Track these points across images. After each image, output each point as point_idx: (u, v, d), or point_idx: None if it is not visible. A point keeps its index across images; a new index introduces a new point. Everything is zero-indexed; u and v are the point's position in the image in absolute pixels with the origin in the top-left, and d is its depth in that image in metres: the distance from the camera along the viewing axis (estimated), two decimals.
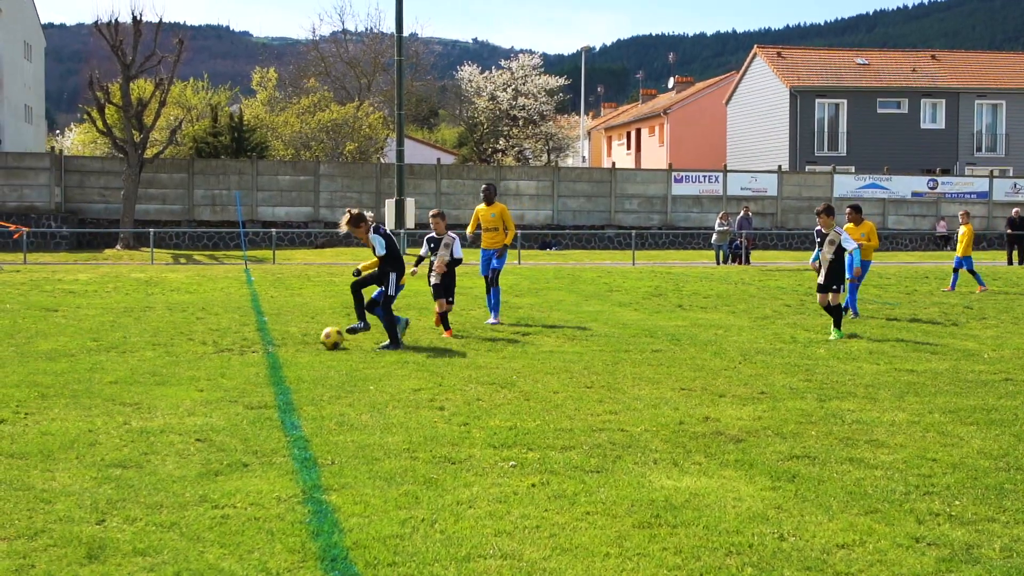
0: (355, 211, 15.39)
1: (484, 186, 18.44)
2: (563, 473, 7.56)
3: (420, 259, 16.70)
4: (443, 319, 16.32)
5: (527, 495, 6.98)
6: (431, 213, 16.82)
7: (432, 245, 16.49)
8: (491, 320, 17.66)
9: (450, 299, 16.31)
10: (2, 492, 6.91)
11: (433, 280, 16.33)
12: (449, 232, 16.58)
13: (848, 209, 19.85)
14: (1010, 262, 40.04)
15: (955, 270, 25.88)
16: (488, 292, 17.97)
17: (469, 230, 19.31)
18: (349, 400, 10.39)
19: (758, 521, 6.43)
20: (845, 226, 18.46)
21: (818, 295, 16.37)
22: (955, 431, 9.17)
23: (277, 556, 5.72)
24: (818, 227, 16.44)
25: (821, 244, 16.27)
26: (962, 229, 26.12)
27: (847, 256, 16.59)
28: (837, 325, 16.09)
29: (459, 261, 16.50)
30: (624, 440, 8.68)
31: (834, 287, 16.01)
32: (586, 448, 8.36)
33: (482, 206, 18.30)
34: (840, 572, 5.54)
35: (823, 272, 16.13)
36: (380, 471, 7.54)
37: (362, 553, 5.77)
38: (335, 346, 14.25)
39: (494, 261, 17.87)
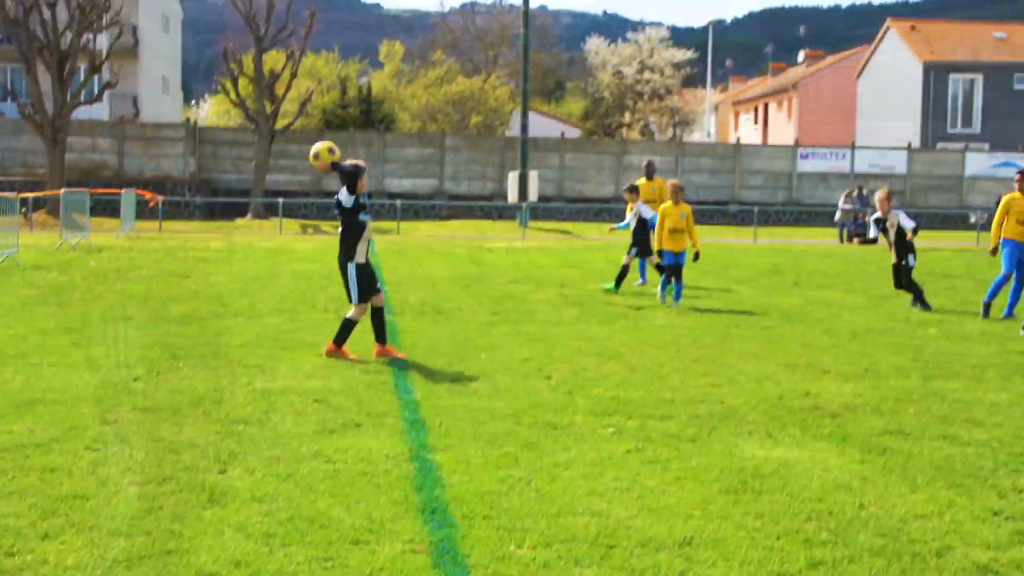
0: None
1: (646, 162, 21.40)
2: (659, 441, 7.88)
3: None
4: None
5: (622, 460, 7.32)
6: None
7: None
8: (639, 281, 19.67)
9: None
10: (135, 442, 7.49)
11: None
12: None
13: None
14: None
15: None
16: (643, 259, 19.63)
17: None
18: (461, 367, 10.83)
19: (842, 491, 6.68)
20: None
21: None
22: None
23: (382, 506, 6.17)
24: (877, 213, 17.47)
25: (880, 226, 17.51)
26: None
27: None
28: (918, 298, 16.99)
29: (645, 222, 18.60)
30: (722, 412, 8.95)
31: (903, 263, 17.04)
32: (684, 418, 8.65)
33: (643, 180, 20.75)
34: (914, 539, 5.77)
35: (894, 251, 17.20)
36: (484, 433, 7.95)
37: (460, 506, 6.19)
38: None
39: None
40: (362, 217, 11.44)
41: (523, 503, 6.29)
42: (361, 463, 7.08)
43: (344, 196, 11.29)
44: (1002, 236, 16.02)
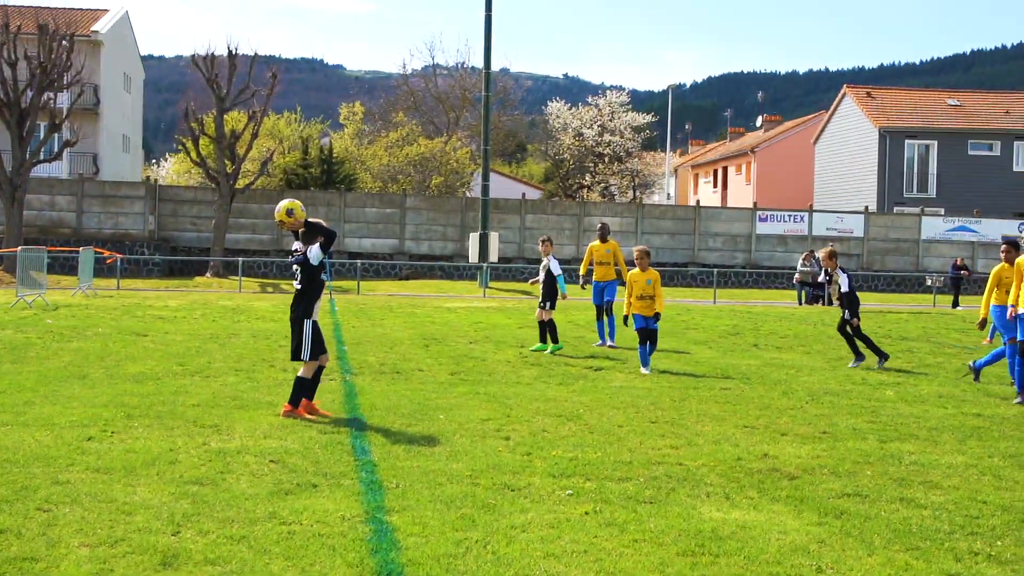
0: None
1: (600, 224, 21.23)
2: (617, 503, 7.85)
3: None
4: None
5: (579, 522, 7.29)
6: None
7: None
8: (610, 343, 19.87)
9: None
10: (87, 503, 7.39)
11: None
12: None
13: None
14: None
15: None
16: (599, 320, 20.26)
17: (583, 267, 21.37)
18: (419, 428, 10.78)
19: (799, 553, 6.67)
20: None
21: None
22: (1012, 475, 9.29)
23: (336, 569, 6.11)
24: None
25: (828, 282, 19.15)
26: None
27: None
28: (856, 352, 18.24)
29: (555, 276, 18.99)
30: (680, 474, 8.94)
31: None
32: (642, 480, 8.64)
33: (596, 242, 20.92)
34: None
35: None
36: (441, 495, 7.90)
37: (416, 569, 6.13)
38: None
39: (606, 293, 20.24)
40: (323, 276, 11.58)
41: (480, 566, 6.24)
42: (317, 525, 7.01)
43: (315, 254, 11.34)
44: (993, 304, 15.82)
